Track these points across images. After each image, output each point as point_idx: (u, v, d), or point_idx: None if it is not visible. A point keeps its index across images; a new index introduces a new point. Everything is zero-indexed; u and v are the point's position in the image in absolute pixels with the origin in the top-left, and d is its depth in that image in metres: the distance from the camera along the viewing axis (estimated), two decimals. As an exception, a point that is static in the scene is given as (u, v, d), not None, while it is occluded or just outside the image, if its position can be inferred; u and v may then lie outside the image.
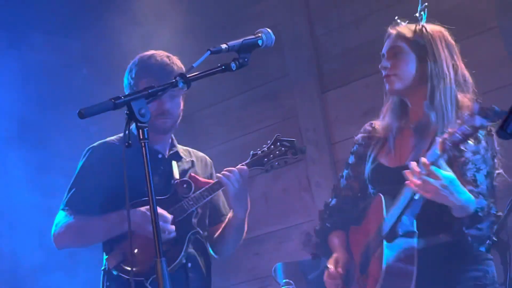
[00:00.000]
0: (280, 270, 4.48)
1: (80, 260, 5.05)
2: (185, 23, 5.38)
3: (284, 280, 4.24)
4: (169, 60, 3.45)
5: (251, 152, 3.42)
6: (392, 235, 2.86)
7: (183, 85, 2.39)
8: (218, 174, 3.38)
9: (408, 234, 2.85)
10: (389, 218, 2.88)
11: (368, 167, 3.16)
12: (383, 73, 3.10)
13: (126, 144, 2.25)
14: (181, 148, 3.64)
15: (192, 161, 3.62)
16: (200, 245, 3.45)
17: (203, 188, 3.38)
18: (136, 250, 3.26)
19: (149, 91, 2.34)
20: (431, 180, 2.65)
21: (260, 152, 3.40)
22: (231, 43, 2.54)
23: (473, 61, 4.42)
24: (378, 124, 3.22)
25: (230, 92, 5.55)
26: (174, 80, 2.40)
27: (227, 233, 3.54)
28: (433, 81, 2.98)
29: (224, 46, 2.51)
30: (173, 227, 3.26)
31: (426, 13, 3.11)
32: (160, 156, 3.51)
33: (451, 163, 2.81)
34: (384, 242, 2.88)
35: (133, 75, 3.47)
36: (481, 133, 2.86)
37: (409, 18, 3.17)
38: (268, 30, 2.65)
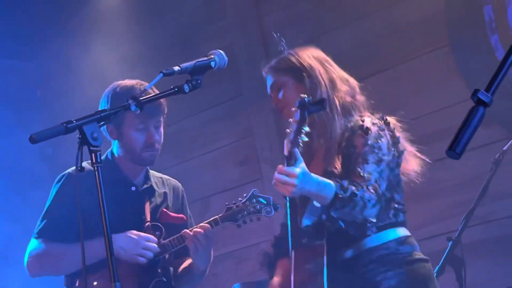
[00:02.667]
0: (238, 291, 4.47)
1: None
2: (140, 44, 5.37)
3: None
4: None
5: (226, 205, 3.39)
6: (296, 243, 2.92)
7: (135, 108, 2.38)
8: (185, 233, 3.33)
9: (314, 242, 2.92)
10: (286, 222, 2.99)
11: None
12: (280, 110, 3.18)
13: (79, 168, 2.23)
14: (154, 178, 3.60)
15: (165, 193, 3.58)
16: None
17: (172, 237, 3.35)
18: (95, 283, 3.22)
19: (101, 114, 2.32)
20: (282, 177, 2.73)
21: (235, 206, 3.37)
22: (184, 65, 2.54)
23: (425, 78, 4.52)
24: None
25: (185, 113, 5.54)
26: (126, 104, 2.39)
27: (188, 275, 3.50)
28: (316, 94, 3.04)
29: (176, 68, 2.51)
30: (156, 247, 3.25)
31: (284, 43, 3.20)
32: (133, 189, 3.47)
33: (346, 162, 2.93)
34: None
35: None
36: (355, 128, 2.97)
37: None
38: (221, 52, 2.65)
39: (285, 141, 2.83)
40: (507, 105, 4.05)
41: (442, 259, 3.50)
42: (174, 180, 3.72)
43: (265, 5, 5.26)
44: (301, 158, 2.78)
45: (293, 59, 3.16)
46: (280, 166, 2.78)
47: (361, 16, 4.75)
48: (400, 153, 3.01)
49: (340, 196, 2.78)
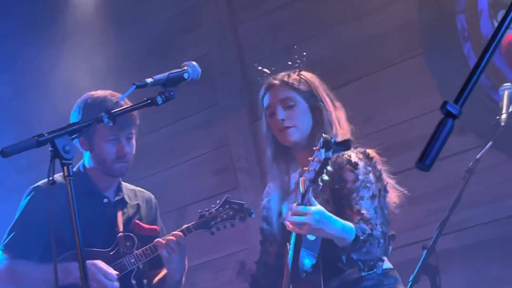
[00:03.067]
0: (215, 300, 4.46)
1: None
2: (114, 55, 5.35)
3: None
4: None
5: (199, 212, 3.38)
6: (296, 279, 2.90)
7: (108, 120, 2.38)
8: (157, 242, 3.30)
9: (311, 276, 2.88)
10: (289, 260, 2.92)
11: (276, 227, 3.21)
12: (278, 125, 3.12)
13: (50, 181, 2.22)
14: (127, 190, 3.58)
15: (137, 205, 3.56)
16: None
17: (145, 247, 3.32)
18: None
19: (73, 127, 2.32)
20: (299, 218, 2.72)
21: (207, 213, 3.35)
22: (157, 77, 2.54)
23: (401, 86, 4.54)
24: (273, 185, 3.27)
25: (161, 122, 5.53)
26: (98, 116, 2.39)
27: (164, 285, 3.48)
28: (325, 129, 3.05)
29: (149, 80, 2.51)
30: (117, 284, 3.21)
31: (301, 61, 3.18)
32: (106, 201, 3.44)
33: (338, 198, 2.89)
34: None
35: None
36: (351, 161, 2.96)
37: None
38: (194, 63, 2.65)
39: (302, 178, 2.79)
40: (481, 113, 4.08)
41: (417, 268, 3.51)
42: (147, 192, 3.70)
43: (240, 14, 5.27)
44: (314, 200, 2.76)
45: (310, 82, 3.13)
46: (295, 205, 2.78)
47: (337, 24, 4.77)
48: (385, 187, 3.03)
49: (360, 238, 2.80)
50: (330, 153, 2.73)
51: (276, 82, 3.16)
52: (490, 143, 3.51)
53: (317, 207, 2.76)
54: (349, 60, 4.71)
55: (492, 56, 1.61)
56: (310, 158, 2.77)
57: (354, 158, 2.98)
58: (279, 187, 3.21)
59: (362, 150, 3.05)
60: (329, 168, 2.75)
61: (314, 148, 2.78)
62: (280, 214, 3.20)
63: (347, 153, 2.99)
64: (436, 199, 4.25)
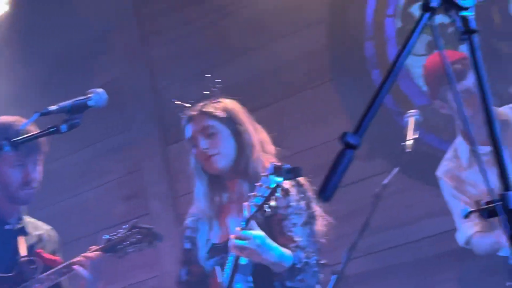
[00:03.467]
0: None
1: None
2: (23, 79, 5.25)
3: None
4: None
5: (104, 237, 3.29)
6: None
7: (8, 149, 2.32)
8: (75, 264, 3.23)
9: None
10: (223, 283, 2.92)
11: (202, 249, 3.20)
12: (203, 155, 3.13)
13: None
14: (28, 221, 3.50)
15: (39, 235, 3.48)
16: None
17: (51, 271, 3.23)
18: None
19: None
20: (241, 242, 2.76)
21: (114, 237, 3.28)
22: (62, 104, 2.50)
23: (309, 113, 4.59)
24: (200, 205, 3.26)
25: (72, 147, 5.43)
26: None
27: None
28: (247, 152, 3.08)
29: (53, 107, 2.47)
30: None
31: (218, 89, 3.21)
32: (7, 227, 3.36)
33: (270, 224, 2.91)
34: None
35: None
36: (285, 188, 2.95)
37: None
38: (100, 90, 2.62)
39: (247, 204, 2.81)
40: (388, 138, 4.15)
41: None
42: (47, 225, 3.62)
43: (152, 40, 5.24)
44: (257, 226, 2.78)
45: (228, 108, 3.14)
46: (238, 229, 2.79)
47: (247, 51, 4.80)
48: (314, 214, 3.06)
49: (297, 266, 2.83)
50: (281, 179, 2.76)
51: (195, 113, 3.17)
52: (397, 169, 3.58)
53: (259, 232, 2.79)
54: (259, 86, 4.74)
55: (391, 86, 1.64)
56: (257, 184, 2.80)
57: (286, 185, 2.98)
58: (209, 213, 3.19)
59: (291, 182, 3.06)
60: (278, 194, 2.78)
61: (262, 174, 2.81)
62: (208, 239, 3.19)
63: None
64: (345, 224, 4.29)
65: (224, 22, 4.93)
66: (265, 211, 2.80)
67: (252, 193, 2.82)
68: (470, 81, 3.49)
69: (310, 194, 3.08)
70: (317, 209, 3.10)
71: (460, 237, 3.70)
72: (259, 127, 3.24)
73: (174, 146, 5.14)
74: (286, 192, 2.96)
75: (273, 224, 2.96)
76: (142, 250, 3.33)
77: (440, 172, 3.79)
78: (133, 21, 5.26)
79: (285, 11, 4.64)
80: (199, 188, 3.21)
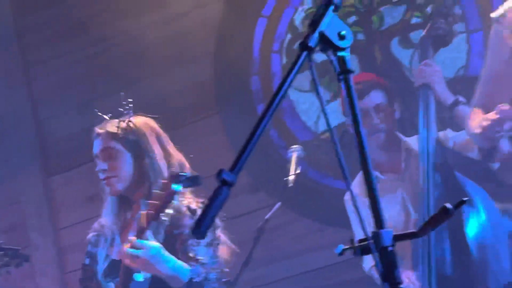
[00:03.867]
0: None
1: None
2: None
3: None
4: None
5: None
6: None
7: None
8: None
9: None
10: None
11: (101, 265, 3.14)
12: (101, 176, 3.09)
13: None
14: None
15: None
16: None
17: None
18: None
19: None
20: (134, 251, 2.71)
21: None
22: None
23: (195, 146, 4.57)
24: (105, 221, 3.21)
25: None
26: None
27: None
28: (149, 175, 3.03)
29: None
30: None
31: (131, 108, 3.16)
32: None
33: (171, 241, 2.88)
34: None
35: None
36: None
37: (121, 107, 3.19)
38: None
39: (144, 212, 2.75)
40: (273, 172, 4.19)
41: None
42: None
43: (35, 69, 5.12)
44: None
45: (135, 130, 3.08)
46: (133, 238, 2.72)
47: (133, 81, 4.75)
48: (218, 238, 3.03)
49: (194, 280, 2.79)
50: (179, 187, 2.72)
51: (101, 131, 3.11)
52: (279, 204, 3.60)
53: (154, 243, 2.74)
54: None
55: (267, 124, 1.66)
56: (154, 191, 2.76)
57: (193, 205, 2.96)
58: (112, 228, 3.12)
59: (200, 200, 3.03)
60: (174, 202, 2.74)
61: (162, 180, 2.78)
62: (108, 254, 3.12)
63: (187, 199, 2.98)
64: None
65: (110, 53, 4.88)
66: (163, 220, 2.76)
67: (150, 201, 2.77)
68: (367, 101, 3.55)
69: (217, 220, 3.06)
70: (222, 236, 3.08)
71: (365, 264, 3.68)
72: (172, 148, 3.18)
73: (56, 177, 5.02)
74: (193, 212, 2.95)
75: (176, 243, 2.92)
76: (9, 273, 3.28)
77: (347, 195, 3.77)
78: (16, 50, 5.13)
79: (171, 43, 4.64)
80: (108, 203, 3.16)
